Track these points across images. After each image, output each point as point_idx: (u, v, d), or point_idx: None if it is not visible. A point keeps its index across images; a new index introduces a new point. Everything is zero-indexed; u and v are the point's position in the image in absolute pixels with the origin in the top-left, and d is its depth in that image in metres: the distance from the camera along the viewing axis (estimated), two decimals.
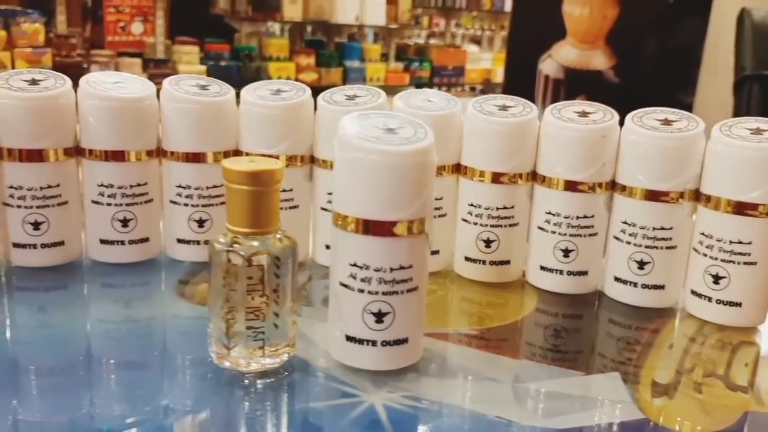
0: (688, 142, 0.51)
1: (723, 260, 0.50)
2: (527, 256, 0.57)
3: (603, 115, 0.53)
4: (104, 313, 0.51)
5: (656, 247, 0.52)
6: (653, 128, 0.51)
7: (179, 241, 0.57)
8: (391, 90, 0.59)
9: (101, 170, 0.54)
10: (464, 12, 4.29)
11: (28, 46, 2.51)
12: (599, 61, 1.82)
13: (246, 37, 3.28)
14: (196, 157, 0.55)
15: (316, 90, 0.56)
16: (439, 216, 0.57)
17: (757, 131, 0.49)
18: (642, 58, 1.78)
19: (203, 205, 0.56)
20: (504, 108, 0.55)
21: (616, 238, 0.54)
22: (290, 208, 0.57)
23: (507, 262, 0.57)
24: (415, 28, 3.95)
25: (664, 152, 0.51)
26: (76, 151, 0.54)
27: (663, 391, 0.44)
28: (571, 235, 0.54)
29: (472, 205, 0.56)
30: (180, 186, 0.56)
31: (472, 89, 3.73)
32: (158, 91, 0.56)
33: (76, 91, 0.54)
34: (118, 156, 0.54)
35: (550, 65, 1.89)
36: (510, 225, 0.56)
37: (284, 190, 0.56)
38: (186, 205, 0.56)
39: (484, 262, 0.57)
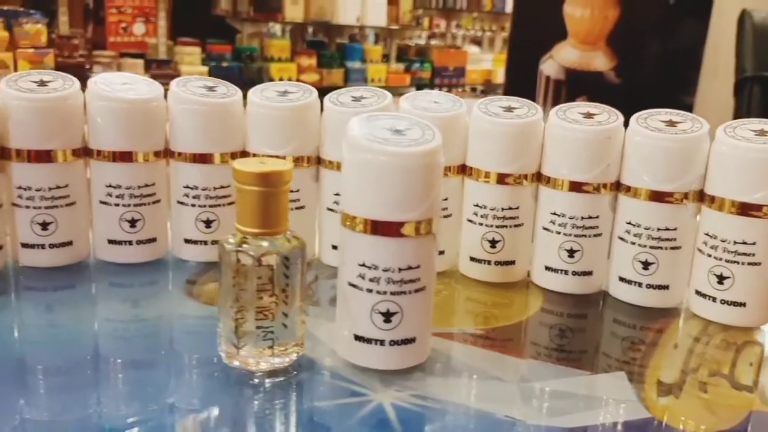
0: (693, 143, 0.51)
1: (727, 261, 0.51)
2: (532, 256, 0.58)
3: (608, 116, 0.54)
4: (112, 313, 0.51)
5: (661, 248, 0.53)
6: (658, 129, 0.52)
7: (186, 241, 0.57)
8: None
9: (109, 171, 0.55)
10: (465, 13, 4.30)
11: (30, 46, 2.51)
12: (600, 62, 1.83)
13: (247, 37, 3.29)
14: (203, 158, 0.55)
15: (318, 91, 0.56)
16: (445, 216, 0.57)
17: (762, 133, 0.50)
18: (643, 59, 1.78)
19: (210, 206, 0.56)
20: (509, 109, 0.55)
21: (621, 239, 0.54)
22: (297, 208, 0.57)
23: (512, 263, 0.57)
24: (416, 29, 3.95)
25: (668, 153, 0.51)
26: (84, 152, 0.55)
27: (668, 390, 0.44)
28: (575, 236, 0.55)
29: (477, 205, 0.56)
30: (187, 186, 0.56)
31: (473, 90, 3.73)
32: (165, 92, 0.56)
33: (83, 92, 0.54)
34: (125, 157, 0.54)
35: (551, 66, 1.89)
36: (515, 225, 0.56)
37: (291, 191, 0.56)
38: (193, 205, 0.56)
39: (489, 263, 0.57)
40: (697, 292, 0.53)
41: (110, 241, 0.56)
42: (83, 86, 0.54)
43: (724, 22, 1.61)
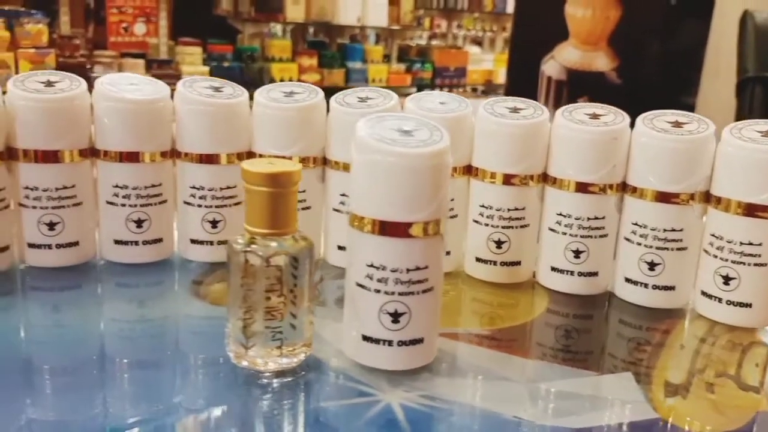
0: (699, 144, 0.51)
1: (733, 261, 0.51)
2: (538, 257, 0.58)
3: (614, 117, 0.54)
4: (118, 313, 0.51)
5: (667, 249, 0.53)
6: (664, 130, 0.52)
7: (193, 241, 0.58)
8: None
9: (116, 171, 0.55)
10: (466, 13, 4.30)
11: (31, 46, 2.51)
12: (602, 62, 1.83)
13: (248, 38, 3.29)
14: (209, 159, 0.56)
15: None
16: (451, 217, 0.57)
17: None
18: (644, 59, 1.78)
19: (217, 206, 0.56)
20: (515, 110, 0.56)
21: (627, 240, 0.54)
22: (303, 209, 0.57)
23: (518, 263, 0.57)
24: (416, 29, 3.95)
25: (674, 154, 0.51)
26: (90, 152, 0.55)
27: (676, 391, 0.44)
28: (581, 236, 0.55)
29: (483, 206, 0.57)
30: (194, 187, 0.56)
31: (474, 90, 3.74)
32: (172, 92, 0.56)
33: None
34: (132, 157, 0.54)
35: (552, 66, 1.89)
36: (521, 226, 0.56)
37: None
38: (200, 206, 0.56)
39: (495, 263, 0.57)
40: (703, 293, 0.53)
41: (117, 242, 0.56)
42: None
43: (725, 22, 1.61)
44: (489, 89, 3.73)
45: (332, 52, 3.35)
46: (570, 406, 0.41)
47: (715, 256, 0.52)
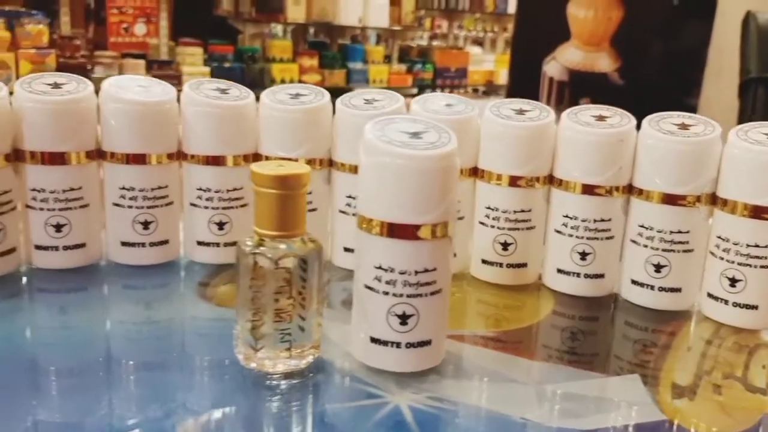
0: (705, 146, 0.51)
1: (740, 263, 0.51)
2: (544, 259, 0.58)
3: (620, 119, 0.54)
4: (125, 315, 0.52)
5: (673, 251, 0.53)
6: (670, 132, 0.52)
7: (199, 243, 0.58)
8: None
9: (122, 173, 0.55)
10: (467, 14, 4.30)
11: (32, 47, 2.51)
12: (604, 63, 1.83)
13: (249, 38, 3.29)
14: (216, 160, 0.56)
15: None
16: (457, 219, 0.57)
17: None
18: (646, 60, 1.78)
19: (223, 208, 0.57)
20: (521, 112, 0.56)
21: (633, 242, 0.54)
22: (309, 211, 0.57)
23: (524, 265, 0.57)
24: (417, 29, 3.95)
25: (681, 156, 0.52)
26: (97, 154, 0.55)
27: (683, 393, 0.44)
28: (588, 238, 0.55)
29: (489, 208, 0.57)
30: (200, 189, 0.56)
31: (475, 91, 3.74)
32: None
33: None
34: (139, 159, 0.54)
35: (554, 67, 1.89)
36: (527, 228, 0.56)
37: None
38: (206, 207, 0.56)
39: (501, 265, 0.57)
40: (709, 295, 0.53)
41: (123, 243, 0.56)
42: None
43: (728, 23, 1.61)
44: (490, 90, 3.73)
45: (333, 52, 3.35)
46: (577, 408, 0.41)
47: (722, 258, 0.52)
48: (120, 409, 0.39)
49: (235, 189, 0.56)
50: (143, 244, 0.56)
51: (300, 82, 2.91)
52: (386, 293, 0.41)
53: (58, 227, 0.54)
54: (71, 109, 0.53)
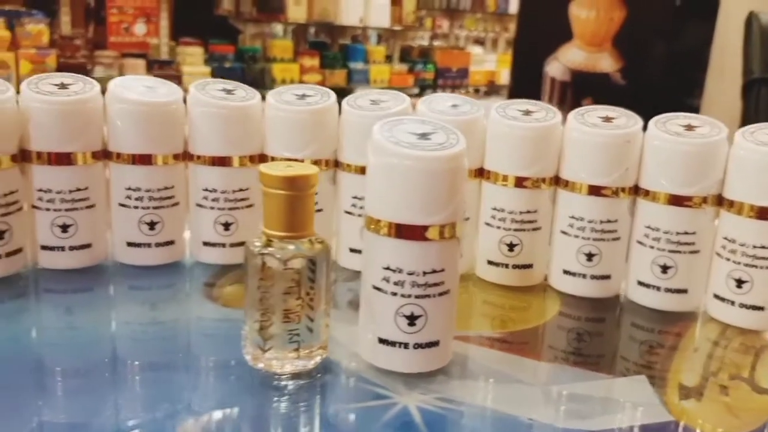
0: (711, 147, 0.51)
1: (746, 264, 0.51)
2: (550, 260, 0.58)
3: (627, 120, 0.54)
4: (130, 315, 0.51)
5: (679, 252, 0.53)
6: (677, 134, 0.52)
7: (205, 243, 0.58)
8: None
9: (128, 173, 0.55)
10: (468, 14, 4.30)
11: (32, 47, 2.51)
12: (606, 63, 1.83)
13: (250, 38, 3.29)
14: (222, 161, 0.56)
15: None
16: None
17: None
18: (649, 60, 1.78)
19: (229, 209, 0.57)
20: (527, 113, 0.56)
21: (640, 243, 0.54)
22: (315, 211, 0.57)
23: (530, 266, 0.57)
24: (418, 29, 3.95)
25: (687, 157, 0.52)
26: (103, 155, 0.55)
27: (690, 394, 0.44)
28: (594, 240, 0.55)
29: (495, 209, 0.57)
30: (206, 189, 0.56)
31: (476, 91, 3.74)
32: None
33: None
34: (145, 159, 0.54)
35: (556, 68, 1.89)
36: (533, 229, 0.56)
37: None
38: (212, 208, 0.56)
39: (506, 266, 0.57)
40: (716, 296, 0.53)
41: (129, 244, 0.56)
42: None
43: (730, 23, 1.61)
44: (491, 90, 3.74)
45: (334, 52, 3.35)
46: (584, 409, 0.41)
47: (728, 259, 0.52)
48: (126, 410, 0.39)
49: (241, 189, 0.56)
50: (149, 245, 0.56)
51: (301, 82, 2.91)
52: (394, 294, 0.41)
53: (65, 227, 0.54)
54: (78, 110, 0.53)
